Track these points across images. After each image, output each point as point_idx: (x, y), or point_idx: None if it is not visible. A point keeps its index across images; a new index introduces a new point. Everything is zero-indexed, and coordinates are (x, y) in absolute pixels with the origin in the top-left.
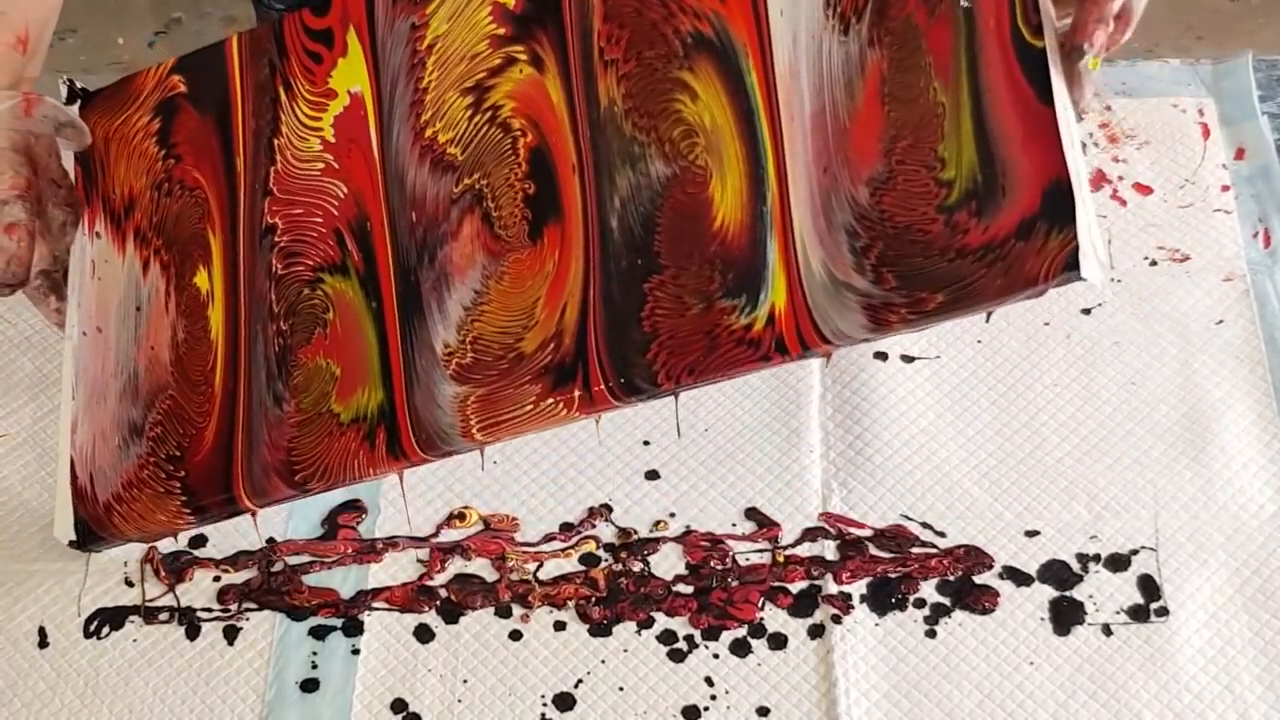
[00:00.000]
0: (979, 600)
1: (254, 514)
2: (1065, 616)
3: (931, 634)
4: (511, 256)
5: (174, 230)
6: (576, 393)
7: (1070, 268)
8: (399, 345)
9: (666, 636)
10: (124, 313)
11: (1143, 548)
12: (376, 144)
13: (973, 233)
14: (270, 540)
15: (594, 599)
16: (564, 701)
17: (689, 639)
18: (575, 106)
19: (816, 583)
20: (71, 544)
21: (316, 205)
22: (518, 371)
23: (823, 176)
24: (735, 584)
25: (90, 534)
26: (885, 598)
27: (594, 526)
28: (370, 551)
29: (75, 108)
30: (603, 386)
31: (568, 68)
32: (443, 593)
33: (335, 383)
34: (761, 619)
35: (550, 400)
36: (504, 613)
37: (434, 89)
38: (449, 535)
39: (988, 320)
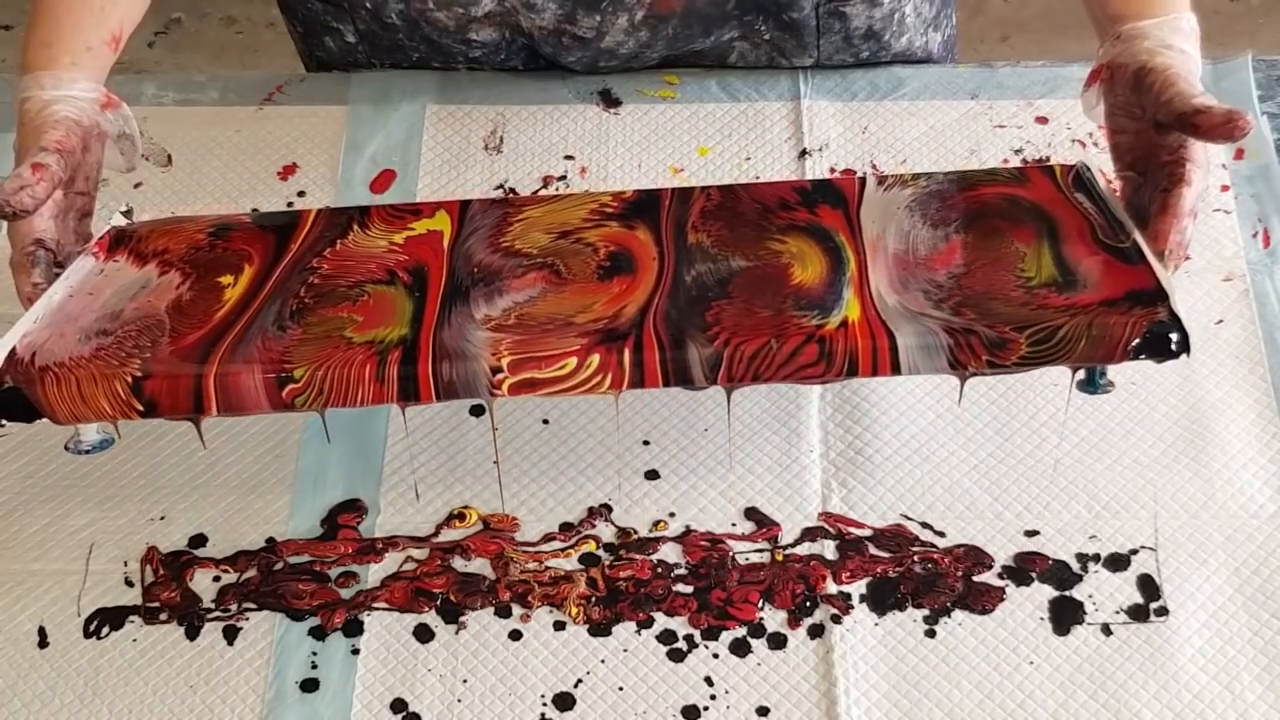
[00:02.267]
0: (979, 600)
1: (206, 413)
2: (1065, 616)
3: (931, 634)
4: (574, 285)
5: (206, 264)
6: (626, 353)
7: (1159, 330)
8: (435, 307)
9: (666, 636)
10: (125, 290)
11: (1142, 548)
12: (448, 246)
13: (1054, 299)
14: (270, 540)
15: (594, 599)
16: (564, 701)
17: (689, 639)
18: (664, 243)
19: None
20: None
21: (372, 261)
22: (563, 329)
23: (901, 270)
24: (735, 584)
25: (12, 396)
26: (885, 597)
27: (594, 526)
28: (370, 551)
29: (137, 125)
30: (656, 355)
31: (660, 232)
32: (443, 593)
33: (354, 325)
34: (761, 619)
35: (594, 357)
36: (504, 613)
37: (520, 229)
38: (449, 535)
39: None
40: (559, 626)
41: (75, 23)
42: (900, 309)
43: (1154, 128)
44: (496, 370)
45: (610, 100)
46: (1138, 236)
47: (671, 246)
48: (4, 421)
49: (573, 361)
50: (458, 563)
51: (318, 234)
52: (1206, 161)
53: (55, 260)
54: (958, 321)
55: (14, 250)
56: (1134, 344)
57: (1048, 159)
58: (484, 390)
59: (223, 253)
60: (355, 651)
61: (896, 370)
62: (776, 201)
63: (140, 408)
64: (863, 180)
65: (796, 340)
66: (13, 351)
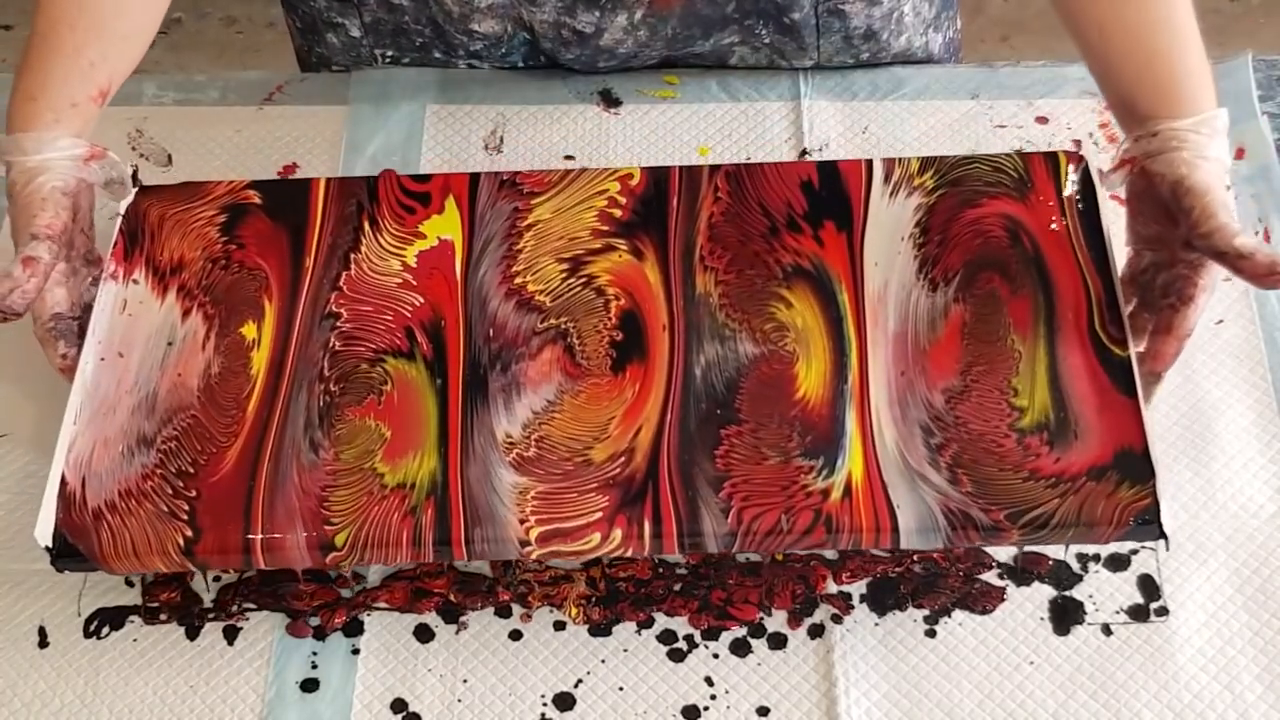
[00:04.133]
0: (979, 600)
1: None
2: (1065, 616)
3: (931, 634)
4: (590, 380)
5: (225, 294)
6: (646, 525)
7: (1145, 521)
8: (459, 417)
9: (666, 636)
10: (152, 344)
11: (1142, 547)
12: (461, 274)
13: (1044, 459)
14: None
15: (594, 599)
16: (564, 701)
17: (689, 639)
18: (672, 288)
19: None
20: (49, 555)
21: (388, 307)
22: (584, 475)
23: (900, 378)
24: (735, 584)
25: (69, 549)
26: (885, 598)
27: None
28: None
29: (127, 167)
30: (674, 528)
31: (667, 262)
32: (443, 593)
33: (384, 443)
34: (761, 619)
35: (617, 533)
36: (504, 613)
37: (529, 252)
38: None
39: None
40: (559, 626)
41: (64, 78)
42: (899, 461)
43: (1181, 244)
44: (525, 543)
45: (610, 100)
46: (1132, 351)
47: (680, 299)
48: (66, 570)
49: (596, 537)
50: (458, 563)
51: (329, 240)
52: (1215, 284)
53: (78, 323)
54: (955, 498)
55: (35, 326)
56: (1118, 534)
57: None
58: (513, 555)
59: (238, 274)
60: (355, 651)
61: (897, 547)
62: (784, 213)
63: (194, 569)
64: (869, 168)
65: (806, 519)
66: (63, 483)
